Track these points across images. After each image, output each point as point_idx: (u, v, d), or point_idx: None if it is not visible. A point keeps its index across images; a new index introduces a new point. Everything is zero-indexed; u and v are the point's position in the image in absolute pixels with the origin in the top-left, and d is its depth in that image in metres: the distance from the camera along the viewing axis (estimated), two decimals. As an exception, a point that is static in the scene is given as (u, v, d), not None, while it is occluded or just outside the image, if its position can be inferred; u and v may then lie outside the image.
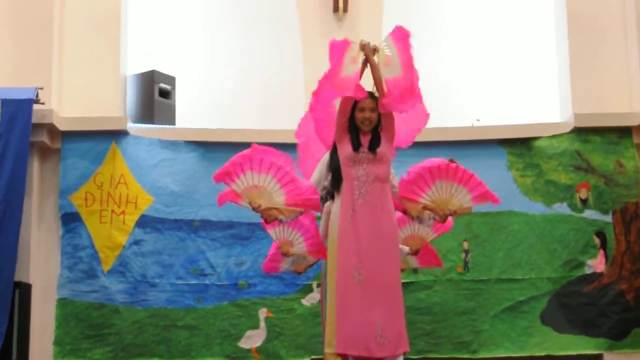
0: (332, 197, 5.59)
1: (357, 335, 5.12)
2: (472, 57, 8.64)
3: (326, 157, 5.63)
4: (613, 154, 7.57)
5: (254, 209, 5.45)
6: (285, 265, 6.04)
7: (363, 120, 5.33)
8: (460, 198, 5.43)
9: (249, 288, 7.38)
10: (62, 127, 7.45)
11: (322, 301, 5.88)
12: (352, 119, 5.37)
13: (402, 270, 5.59)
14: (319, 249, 5.75)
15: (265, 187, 5.40)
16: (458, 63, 8.58)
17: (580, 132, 7.63)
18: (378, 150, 5.30)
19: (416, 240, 5.75)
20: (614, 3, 7.90)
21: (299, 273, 6.13)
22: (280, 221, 5.67)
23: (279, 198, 5.40)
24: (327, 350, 5.29)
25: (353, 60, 5.22)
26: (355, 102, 5.36)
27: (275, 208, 5.46)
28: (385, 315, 5.15)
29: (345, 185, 5.31)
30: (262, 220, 5.66)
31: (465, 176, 5.41)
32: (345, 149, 5.32)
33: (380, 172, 5.32)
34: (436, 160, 5.47)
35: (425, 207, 5.48)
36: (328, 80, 5.24)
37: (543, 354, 7.21)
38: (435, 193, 5.41)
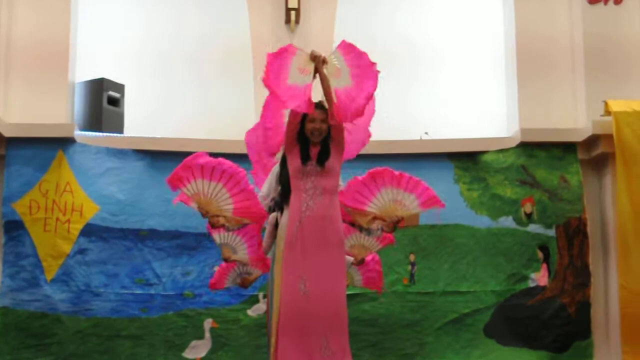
0: (281, 209, 5.61)
1: (301, 347, 5.14)
2: (422, 71, 8.70)
3: (276, 168, 5.65)
4: (557, 169, 7.68)
5: (202, 214, 5.47)
6: (230, 280, 6.04)
7: (313, 131, 5.36)
8: (408, 204, 5.48)
9: (194, 298, 7.33)
10: (7, 133, 7.33)
11: (267, 312, 5.87)
12: (301, 130, 5.40)
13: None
14: (261, 259, 5.77)
15: (214, 195, 5.41)
16: (408, 76, 8.64)
17: (526, 147, 7.74)
18: (327, 163, 5.33)
19: (361, 250, 5.79)
20: (562, 22, 8.03)
21: (244, 287, 6.13)
22: (227, 229, 5.69)
23: (227, 207, 5.41)
24: None
25: (302, 70, 5.25)
26: (305, 113, 5.39)
27: (222, 216, 5.48)
28: (330, 327, 5.18)
29: (293, 197, 5.34)
30: (208, 225, 5.66)
31: (411, 182, 5.48)
32: (294, 162, 5.35)
33: (329, 184, 5.35)
34: (379, 168, 5.53)
35: (375, 217, 5.52)
36: (267, 81, 5.21)
37: (486, 365, 7.31)
38: (380, 200, 5.47)
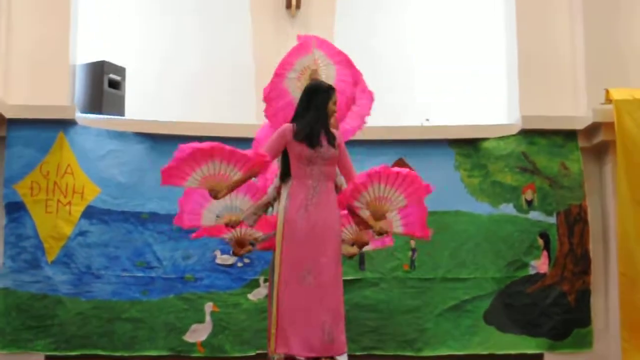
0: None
1: (303, 336, 5.16)
2: (423, 57, 8.71)
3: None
4: (558, 157, 7.67)
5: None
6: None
7: (333, 114, 5.39)
8: (394, 200, 5.49)
9: (195, 282, 7.32)
10: (8, 114, 7.29)
11: (269, 297, 5.87)
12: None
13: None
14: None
15: (220, 171, 5.35)
16: (409, 62, 8.65)
17: (527, 134, 7.72)
18: (335, 144, 5.36)
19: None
20: (563, 9, 8.03)
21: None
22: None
23: (235, 176, 5.34)
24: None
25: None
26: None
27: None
28: (332, 316, 5.20)
29: (297, 184, 5.32)
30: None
31: (399, 178, 5.46)
32: (301, 147, 5.31)
33: (331, 171, 5.39)
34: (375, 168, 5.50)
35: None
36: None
37: (486, 352, 7.27)
38: (368, 196, 5.46)
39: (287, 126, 5.43)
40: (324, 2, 8.34)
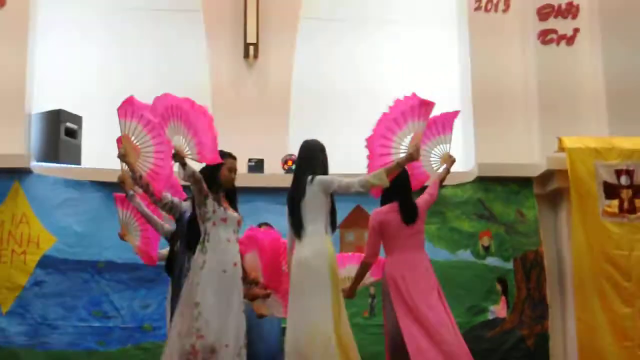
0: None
1: None
2: (380, 109, 8.75)
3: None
4: (514, 204, 7.80)
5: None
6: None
7: None
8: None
9: (153, 331, 7.24)
10: (-37, 164, 7.25)
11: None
12: None
13: None
14: (145, 252, 6.27)
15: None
16: (365, 114, 8.67)
17: (483, 182, 7.85)
18: None
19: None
20: (516, 58, 8.22)
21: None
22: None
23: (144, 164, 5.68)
24: None
25: None
26: None
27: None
28: None
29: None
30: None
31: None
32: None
33: None
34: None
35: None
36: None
37: (446, 402, 7.28)
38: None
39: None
40: (281, 52, 8.39)
